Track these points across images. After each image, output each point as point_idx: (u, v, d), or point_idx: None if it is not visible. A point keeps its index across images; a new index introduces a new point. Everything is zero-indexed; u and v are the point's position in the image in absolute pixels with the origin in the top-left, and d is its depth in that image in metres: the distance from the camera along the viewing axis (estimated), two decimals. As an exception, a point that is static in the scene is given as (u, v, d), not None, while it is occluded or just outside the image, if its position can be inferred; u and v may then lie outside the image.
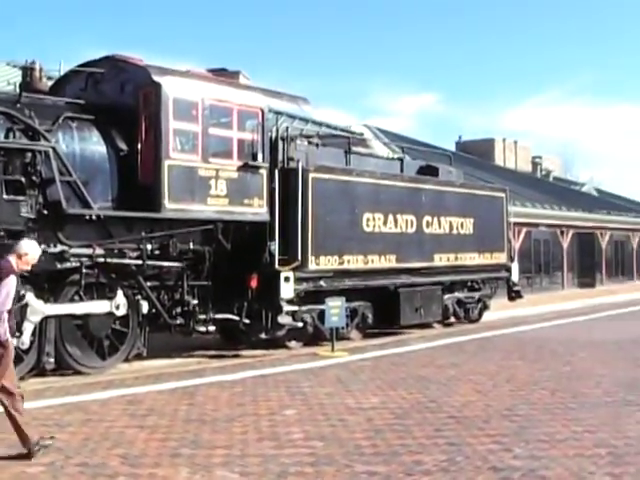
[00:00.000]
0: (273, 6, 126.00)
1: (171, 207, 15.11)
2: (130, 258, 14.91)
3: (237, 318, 16.70)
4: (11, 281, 8.33)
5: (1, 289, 8.24)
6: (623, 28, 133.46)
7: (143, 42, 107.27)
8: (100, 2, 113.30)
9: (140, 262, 14.96)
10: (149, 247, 15.15)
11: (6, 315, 8.24)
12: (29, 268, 8.92)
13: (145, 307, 15.09)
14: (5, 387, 8.26)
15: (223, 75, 22.13)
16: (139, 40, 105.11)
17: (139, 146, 15.26)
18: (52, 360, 13.89)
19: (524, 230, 37.19)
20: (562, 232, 41.88)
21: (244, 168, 16.46)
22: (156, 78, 15.17)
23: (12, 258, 8.53)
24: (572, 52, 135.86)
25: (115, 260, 14.73)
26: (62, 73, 18.20)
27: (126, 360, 15.19)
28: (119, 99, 15.74)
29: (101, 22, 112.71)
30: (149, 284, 15.28)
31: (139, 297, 15.12)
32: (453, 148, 55.13)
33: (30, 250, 8.74)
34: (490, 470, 7.94)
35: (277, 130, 18.14)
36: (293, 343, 18.22)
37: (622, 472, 7.84)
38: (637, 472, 7.84)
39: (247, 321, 16.82)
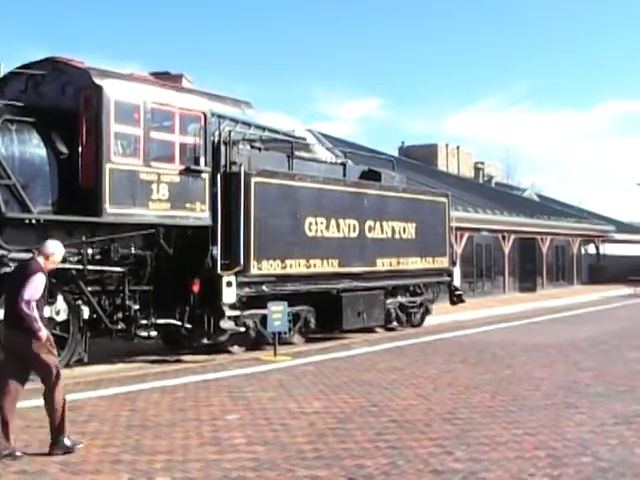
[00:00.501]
0: (217, 10, 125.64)
1: (112, 211, 14.96)
2: (70, 263, 14.69)
3: (179, 323, 16.55)
4: (40, 277, 8.94)
5: (31, 282, 8.81)
6: (560, 36, 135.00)
7: (86, 44, 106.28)
8: (43, 3, 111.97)
9: (81, 267, 14.78)
10: (90, 252, 14.98)
11: (34, 304, 8.79)
12: (55, 267, 9.68)
13: (86, 312, 14.92)
14: None
15: (166, 78, 21.98)
16: (82, 42, 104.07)
17: (80, 149, 15.08)
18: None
19: (466, 235, 37.45)
20: (504, 237, 42.25)
21: (186, 172, 16.36)
22: (97, 81, 15.01)
23: (40, 258, 9.21)
24: (513, 59, 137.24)
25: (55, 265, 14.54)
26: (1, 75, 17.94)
27: (67, 366, 14.93)
28: (60, 101, 15.57)
29: (43, 24, 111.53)
30: (90, 289, 15.09)
31: (80, 302, 14.93)
32: (396, 153, 55.35)
33: (56, 250, 9.43)
34: (431, 473, 7.99)
35: (220, 134, 18.07)
36: (235, 348, 18.16)
37: (561, 474, 7.94)
38: (575, 473, 7.93)
39: (189, 326, 16.69)
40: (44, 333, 8.83)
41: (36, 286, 8.83)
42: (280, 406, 11.57)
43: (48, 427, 8.95)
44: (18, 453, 8.66)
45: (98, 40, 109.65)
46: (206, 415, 10.92)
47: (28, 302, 8.71)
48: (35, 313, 8.74)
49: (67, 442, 8.88)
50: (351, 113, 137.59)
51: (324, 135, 43.85)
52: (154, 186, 15.73)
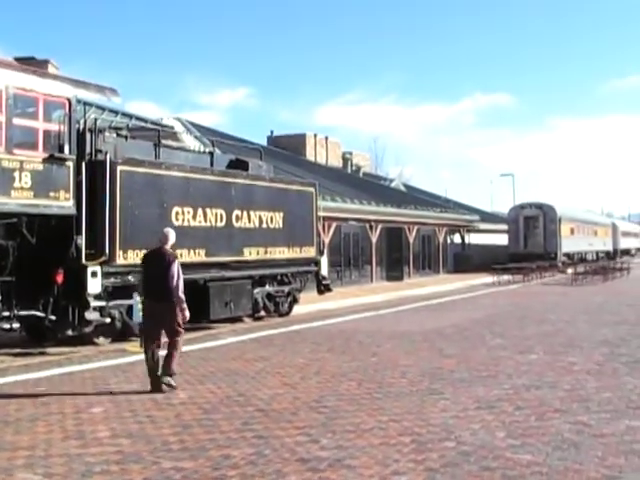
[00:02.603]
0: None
1: (-28, 200, 14.58)
2: None
3: (43, 315, 16.24)
4: (178, 263, 12.29)
5: (175, 267, 12.14)
6: (431, 32, 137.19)
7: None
8: None
9: (-61, 257, 14.38)
10: (-51, 241, 14.57)
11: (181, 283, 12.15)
12: None
13: (-56, 304, 14.51)
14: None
15: (31, 64, 21.43)
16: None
17: (-63, 136, 14.67)
18: None
19: (334, 224, 37.70)
20: (371, 227, 42.68)
21: (50, 160, 16.05)
22: (-44, 65, 14.61)
23: (167, 247, 12.50)
24: (381, 53, 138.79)
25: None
26: None
27: None
28: None
29: None
30: (-52, 280, 14.69)
31: (-63, 293, 14.51)
32: (265, 143, 55.37)
33: (174, 238, 12.76)
34: (298, 462, 8.02)
35: (85, 122, 17.77)
36: (101, 339, 17.92)
37: (425, 458, 8.08)
38: (439, 458, 8.08)
39: (53, 317, 16.41)
40: (185, 305, 12.14)
41: (179, 270, 12.18)
42: (145, 397, 11.47)
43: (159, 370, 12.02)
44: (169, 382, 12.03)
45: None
46: (70, 409, 10.72)
47: (177, 284, 12.02)
48: (181, 292, 12.10)
49: (172, 382, 12.05)
50: (221, 102, 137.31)
51: (193, 124, 43.60)
52: (16, 174, 15.37)
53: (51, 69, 25.93)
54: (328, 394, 11.60)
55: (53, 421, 9.97)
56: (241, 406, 10.82)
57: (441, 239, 52.91)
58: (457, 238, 57.68)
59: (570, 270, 47.78)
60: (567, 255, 61.00)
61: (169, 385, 11.97)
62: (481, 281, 43.30)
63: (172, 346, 12.19)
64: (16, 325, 15.78)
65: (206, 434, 9.22)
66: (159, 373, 12.00)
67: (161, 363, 12.09)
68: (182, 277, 12.19)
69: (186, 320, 12.35)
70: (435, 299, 31.63)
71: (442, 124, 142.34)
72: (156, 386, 11.92)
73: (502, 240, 61.20)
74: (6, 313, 15.49)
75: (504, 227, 61.62)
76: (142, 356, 14.44)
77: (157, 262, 12.34)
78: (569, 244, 61.39)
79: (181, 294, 12.05)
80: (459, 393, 11.61)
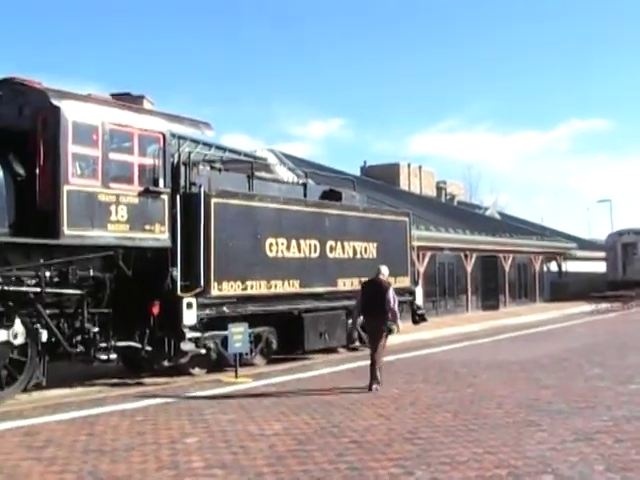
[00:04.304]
0: (179, 32, 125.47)
1: (70, 233, 14.84)
2: (28, 286, 14.57)
3: (139, 345, 16.42)
4: (392, 289, 15.91)
5: (391, 292, 15.71)
6: (523, 57, 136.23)
7: (48, 66, 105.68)
8: (4, 26, 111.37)
9: (38, 289, 14.62)
10: (48, 274, 14.80)
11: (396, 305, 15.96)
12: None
13: (44, 336, 14.68)
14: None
15: (127, 100, 21.90)
16: (44, 64, 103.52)
17: (37, 171, 14.98)
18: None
19: (429, 254, 37.50)
20: (466, 255, 42.35)
21: (145, 193, 16.28)
22: (55, 102, 14.92)
23: (382, 276, 16.17)
24: (474, 80, 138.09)
25: (12, 288, 14.35)
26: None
27: (25, 390, 14.81)
28: (17, 123, 15.43)
29: (5, 46, 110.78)
30: (48, 312, 14.90)
31: (38, 325, 14.68)
32: (359, 173, 55.45)
33: (386, 271, 16.46)
34: (391, 494, 7.92)
35: (179, 155, 18.00)
36: (197, 370, 18.04)
37: (521, 493, 7.90)
38: (536, 492, 7.91)
39: (149, 348, 16.57)
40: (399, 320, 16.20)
41: (394, 294, 15.81)
42: (240, 428, 11.47)
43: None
44: (376, 387, 15.20)
45: (59, 62, 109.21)
46: (165, 439, 10.80)
47: (394, 305, 15.65)
48: (397, 309, 15.98)
49: (375, 388, 15.17)
50: (315, 133, 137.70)
51: (286, 155, 43.88)
52: (113, 207, 15.62)
53: (146, 104, 26.47)
54: (423, 425, 11.47)
55: (148, 451, 10.04)
56: (335, 437, 10.76)
57: (537, 267, 52.17)
58: (554, 266, 56.81)
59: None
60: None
61: (374, 390, 15.12)
62: (579, 309, 42.58)
63: (376, 354, 15.54)
64: (113, 356, 15.94)
65: (300, 465, 9.17)
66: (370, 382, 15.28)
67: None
68: (397, 299, 16.08)
69: (399, 330, 16.62)
70: (532, 328, 31.15)
71: (537, 151, 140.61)
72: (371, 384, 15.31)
73: (600, 268, 60.08)
74: (103, 344, 15.68)
75: (602, 254, 60.44)
76: (237, 387, 14.60)
77: (375, 288, 15.95)
78: (670, 270, 59.86)
79: (397, 311, 15.86)
80: (556, 425, 11.38)
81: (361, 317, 16.90)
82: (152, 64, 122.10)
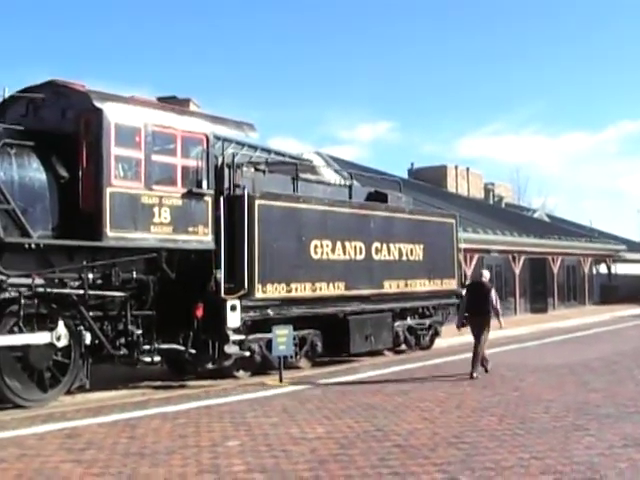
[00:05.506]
0: (227, 36, 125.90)
1: (113, 235, 14.81)
2: (71, 288, 14.55)
3: (183, 348, 16.36)
4: (494, 290, 18.17)
5: (493, 293, 17.90)
6: (573, 59, 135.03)
7: (95, 70, 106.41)
8: (50, 29, 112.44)
9: (82, 292, 14.60)
10: (91, 276, 14.79)
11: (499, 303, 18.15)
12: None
13: (87, 338, 14.65)
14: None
15: (173, 102, 21.94)
16: (91, 67, 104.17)
17: (80, 173, 14.97)
18: (-9, 394, 13.53)
19: (476, 256, 37.17)
20: (514, 258, 41.96)
21: (188, 195, 16.21)
22: (97, 104, 14.89)
23: (484, 279, 18.29)
24: (523, 81, 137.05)
25: (55, 290, 14.35)
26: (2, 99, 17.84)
27: (68, 392, 14.81)
28: (60, 125, 15.45)
29: (50, 51, 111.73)
30: (91, 314, 14.88)
31: (81, 328, 14.68)
32: (406, 176, 55.21)
33: (488, 275, 18.71)
34: (434, 500, 7.74)
35: (223, 157, 17.93)
36: (241, 373, 17.95)
37: (568, 499, 7.68)
38: (583, 499, 7.69)
39: (193, 351, 16.50)
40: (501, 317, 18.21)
41: (496, 295, 17.96)
42: (282, 432, 11.33)
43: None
44: (476, 375, 17.07)
45: (107, 66, 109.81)
46: (206, 442, 10.68)
47: (496, 303, 17.80)
48: (499, 307, 18.13)
49: (475, 374, 17.07)
50: (362, 136, 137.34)
51: (333, 158, 43.75)
52: (156, 209, 15.58)
53: (192, 107, 26.53)
54: (468, 429, 11.26)
55: (189, 454, 9.93)
56: (378, 441, 10.57)
57: (586, 270, 51.60)
58: (603, 268, 56.15)
59: None
60: None
61: (473, 376, 17.00)
62: (629, 312, 42.05)
63: (479, 345, 17.56)
64: (157, 358, 15.89)
65: (341, 470, 9.00)
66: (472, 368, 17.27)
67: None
68: (499, 299, 18.35)
69: (502, 326, 18.32)
70: (581, 331, 30.79)
71: (586, 153, 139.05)
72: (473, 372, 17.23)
73: (651, 270, 59.36)
74: (147, 347, 15.64)
75: (653, 256, 59.74)
76: (281, 390, 14.52)
77: (478, 289, 18.07)
78: None
79: (499, 309, 17.99)
80: (605, 429, 11.12)
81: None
82: (201, 68, 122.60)
